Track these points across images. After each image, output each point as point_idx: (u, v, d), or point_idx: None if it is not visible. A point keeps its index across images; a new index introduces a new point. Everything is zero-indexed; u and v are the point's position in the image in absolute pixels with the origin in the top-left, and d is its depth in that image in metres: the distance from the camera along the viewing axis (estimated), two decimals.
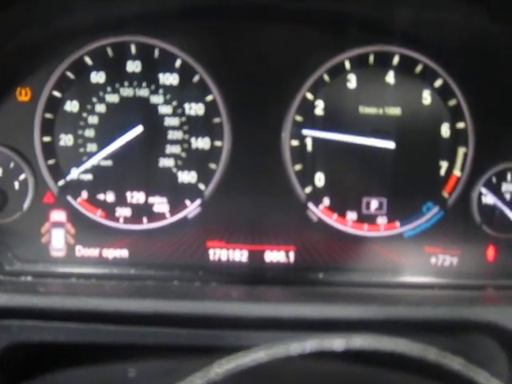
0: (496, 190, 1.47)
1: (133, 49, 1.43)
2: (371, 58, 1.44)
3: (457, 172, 1.47)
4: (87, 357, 1.19)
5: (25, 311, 1.16)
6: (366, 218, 1.48)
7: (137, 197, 1.47)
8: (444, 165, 1.47)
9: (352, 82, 1.45)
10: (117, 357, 1.24)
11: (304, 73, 1.44)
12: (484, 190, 1.47)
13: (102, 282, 1.40)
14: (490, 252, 1.48)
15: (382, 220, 1.48)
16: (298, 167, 1.46)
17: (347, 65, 1.44)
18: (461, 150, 1.46)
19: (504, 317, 1.20)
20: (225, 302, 1.25)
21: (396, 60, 1.44)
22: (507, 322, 1.20)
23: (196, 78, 1.44)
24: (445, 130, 1.46)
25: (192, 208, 1.47)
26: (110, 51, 1.43)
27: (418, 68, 1.44)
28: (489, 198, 1.47)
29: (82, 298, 1.22)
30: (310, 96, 1.44)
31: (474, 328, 1.22)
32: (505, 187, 1.47)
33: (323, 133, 1.45)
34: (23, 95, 1.44)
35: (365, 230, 1.48)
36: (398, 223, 1.48)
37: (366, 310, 1.22)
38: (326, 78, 1.44)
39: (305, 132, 1.45)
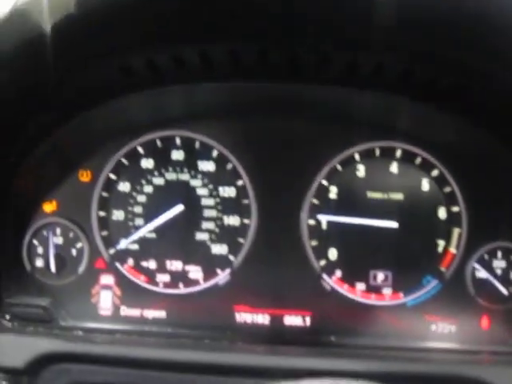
0: (488, 266, 1.64)
1: (177, 141, 1.70)
2: (377, 151, 1.68)
3: (452, 249, 1.66)
4: None
5: (82, 357, 1.38)
6: (374, 289, 1.67)
7: (175, 265, 1.69)
8: (441, 243, 1.66)
9: (361, 171, 1.69)
10: None
11: (320, 162, 1.67)
12: (477, 266, 1.65)
13: (143, 338, 1.62)
14: (485, 321, 1.65)
15: (387, 291, 1.67)
16: (313, 243, 1.68)
17: (357, 156, 1.68)
18: (456, 231, 1.66)
19: (495, 375, 1.38)
20: (250, 355, 1.46)
21: (399, 153, 1.67)
22: (499, 381, 1.37)
23: (229, 166, 1.69)
24: (441, 213, 1.67)
25: (222, 276, 1.69)
26: (158, 142, 1.70)
27: (418, 160, 1.67)
28: (482, 273, 1.65)
29: (126, 347, 1.45)
30: (324, 182, 1.68)
31: None
32: (496, 263, 1.65)
33: (336, 217, 1.68)
34: (84, 176, 1.70)
35: (372, 299, 1.67)
36: (401, 294, 1.67)
37: (370, 365, 1.41)
38: (339, 167, 1.68)
39: (320, 217, 1.68)
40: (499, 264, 1.66)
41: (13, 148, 1.55)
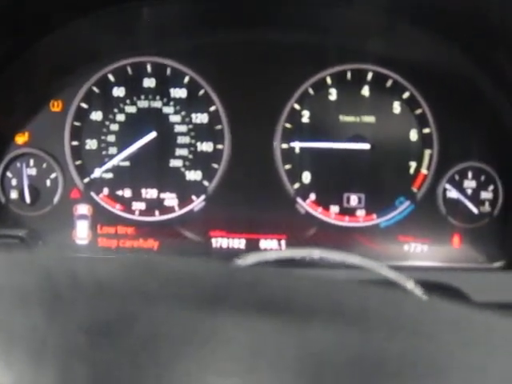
0: (459, 186, 1.68)
1: (149, 67, 1.69)
2: (349, 75, 1.68)
3: (424, 170, 1.69)
4: None
5: None
6: (347, 211, 1.70)
7: (150, 193, 1.70)
8: (413, 164, 1.68)
9: (333, 94, 1.69)
10: None
11: (292, 86, 1.68)
12: (448, 186, 1.68)
13: None
14: (456, 240, 1.69)
15: (360, 213, 1.70)
16: (287, 167, 1.69)
17: (328, 80, 1.69)
18: (427, 152, 1.68)
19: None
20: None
21: (370, 76, 1.68)
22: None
23: (201, 92, 1.69)
24: (413, 135, 1.68)
25: (197, 202, 1.70)
26: (129, 70, 1.69)
27: (389, 83, 1.68)
28: (453, 193, 1.68)
29: None
30: (297, 106, 1.69)
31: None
32: (466, 183, 1.68)
33: (309, 141, 1.70)
34: (55, 107, 1.69)
35: (346, 221, 1.70)
36: (374, 215, 1.70)
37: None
38: (311, 91, 1.69)
39: (292, 141, 1.69)
40: (470, 184, 1.69)
41: None
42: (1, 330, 0.36)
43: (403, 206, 1.70)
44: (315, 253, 1.09)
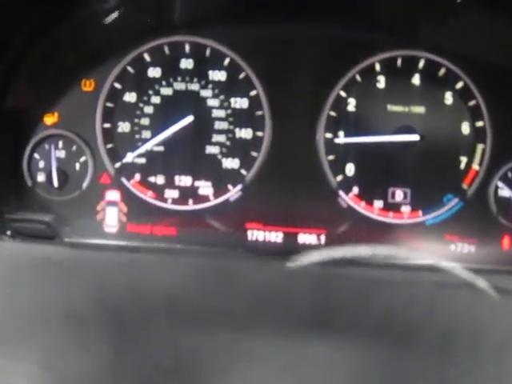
0: (511, 184, 1.60)
1: (187, 48, 1.59)
2: (399, 62, 1.58)
3: (475, 166, 1.59)
4: None
5: None
6: (392, 207, 1.61)
7: (184, 180, 1.62)
8: (464, 159, 1.59)
9: (381, 82, 1.59)
10: None
11: (338, 72, 1.58)
12: (500, 184, 1.58)
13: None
14: (506, 241, 1.59)
15: (405, 209, 1.61)
16: (330, 157, 1.60)
17: (377, 67, 1.59)
18: (479, 147, 1.59)
19: None
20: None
21: (421, 64, 1.58)
22: None
23: (242, 75, 1.59)
24: (465, 128, 1.58)
25: (234, 192, 1.61)
26: (166, 49, 1.59)
27: (442, 71, 1.58)
28: (505, 191, 1.58)
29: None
30: (343, 94, 1.59)
31: None
32: None
33: (354, 130, 1.60)
34: (88, 86, 1.60)
35: (390, 218, 1.61)
36: (420, 212, 1.60)
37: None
38: (358, 78, 1.59)
39: (337, 130, 1.60)
40: None
41: (5, 52, 1.45)
42: None
43: (451, 204, 1.60)
44: (382, 250, 0.98)
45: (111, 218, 1.62)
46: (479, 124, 1.58)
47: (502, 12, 1.42)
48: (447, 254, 1.59)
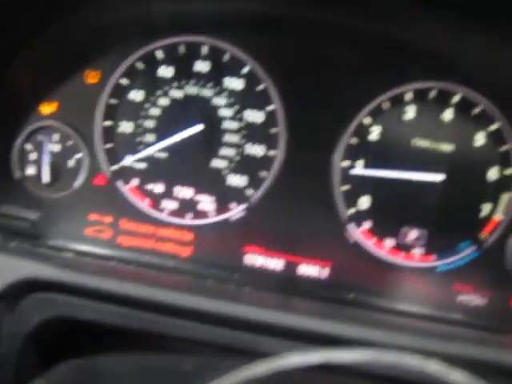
0: None
1: (204, 49, 1.46)
2: (432, 94, 1.45)
3: (498, 216, 1.48)
4: (123, 344, 1.22)
5: (71, 287, 1.19)
6: (403, 247, 1.49)
7: (185, 192, 1.50)
8: (487, 207, 1.47)
9: (410, 113, 1.46)
10: (145, 346, 1.28)
11: (365, 97, 1.45)
12: None
13: (141, 270, 1.44)
14: None
15: (418, 251, 1.50)
16: (344, 187, 1.48)
17: (408, 96, 1.46)
18: (505, 196, 1.46)
19: None
20: (257, 308, 1.28)
21: (456, 99, 1.45)
22: None
23: (260, 87, 1.46)
24: (492, 174, 1.46)
25: (236, 211, 1.50)
26: (181, 48, 1.46)
27: (476, 110, 1.45)
28: None
29: (122, 281, 1.26)
30: (366, 121, 1.46)
31: (492, 370, 1.25)
32: None
33: (373, 161, 1.48)
34: (91, 78, 1.47)
35: (400, 259, 1.50)
36: (433, 257, 1.50)
37: (388, 337, 1.24)
38: (386, 105, 1.46)
39: (356, 159, 1.48)
40: None
41: (7, 35, 1.31)
42: None
43: (466, 252, 1.49)
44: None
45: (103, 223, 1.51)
46: (508, 172, 1.47)
47: None
48: (454, 305, 1.50)
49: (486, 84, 1.44)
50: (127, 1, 1.37)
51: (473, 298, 1.50)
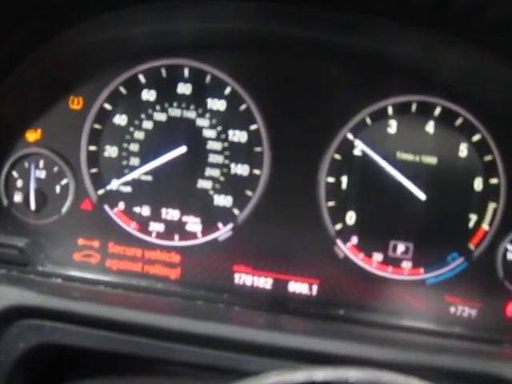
0: None
1: (186, 72, 1.47)
2: (414, 107, 1.46)
3: (485, 226, 1.48)
4: (111, 368, 1.22)
5: (58, 313, 1.19)
6: (392, 261, 1.49)
7: (171, 214, 1.50)
8: (473, 217, 1.48)
9: (392, 127, 1.48)
10: (135, 370, 1.28)
11: (347, 113, 1.46)
12: (510, 247, 1.48)
13: (130, 293, 1.44)
14: (510, 308, 1.49)
15: (406, 264, 1.49)
16: (330, 204, 1.48)
17: (390, 110, 1.47)
18: (491, 205, 1.47)
19: None
20: (247, 328, 1.28)
21: (438, 111, 1.46)
22: None
23: (243, 107, 1.47)
24: (477, 184, 1.47)
25: (224, 231, 1.50)
26: (163, 72, 1.47)
27: (458, 121, 1.46)
28: None
29: (110, 307, 1.26)
30: (350, 136, 1.47)
31: (487, 381, 1.24)
32: None
33: (358, 177, 1.48)
34: (75, 104, 1.48)
35: (389, 272, 1.50)
36: (422, 269, 1.49)
37: (381, 352, 1.24)
38: (368, 120, 1.47)
39: (340, 175, 1.48)
40: None
41: None
42: None
43: (456, 263, 1.49)
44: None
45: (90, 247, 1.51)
46: (493, 181, 1.47)
47: None
48: (446, 317, 1.49)
49: (466, 96, 1.45)
50: (108, 24, 1.38)
51: (465, 310, 1.50)
